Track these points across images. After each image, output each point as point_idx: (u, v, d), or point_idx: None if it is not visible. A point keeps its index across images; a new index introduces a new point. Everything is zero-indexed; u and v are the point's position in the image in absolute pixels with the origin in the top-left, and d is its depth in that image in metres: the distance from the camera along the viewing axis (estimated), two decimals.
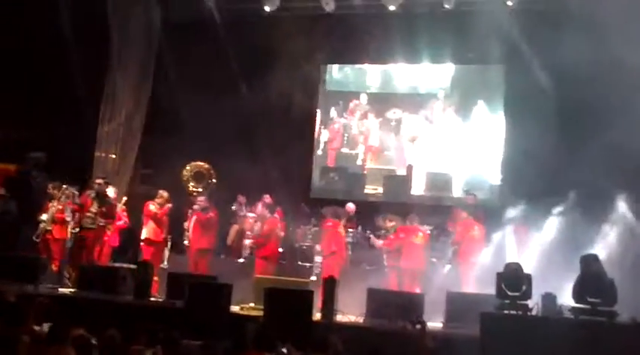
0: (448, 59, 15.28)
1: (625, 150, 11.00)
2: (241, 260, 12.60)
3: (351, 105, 16.15)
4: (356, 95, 16.21)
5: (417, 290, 11.02)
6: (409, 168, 14.94)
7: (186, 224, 12.85)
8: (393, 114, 15.85)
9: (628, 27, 11.85)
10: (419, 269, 11.73)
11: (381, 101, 16.10)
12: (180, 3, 15.23)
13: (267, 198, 13.25)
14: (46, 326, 6.44)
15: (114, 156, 14.58)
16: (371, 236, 12.51)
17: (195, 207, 12.69)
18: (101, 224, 11.81)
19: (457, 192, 14.42)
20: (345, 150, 16.10)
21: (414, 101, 15.84)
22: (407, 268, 11.71)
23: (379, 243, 12.29)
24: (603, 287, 7.98)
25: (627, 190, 10.99)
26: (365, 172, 15.45)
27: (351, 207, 13.14)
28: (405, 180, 14.78)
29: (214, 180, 13.86)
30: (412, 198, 14.34)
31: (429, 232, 12.27)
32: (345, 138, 16.12)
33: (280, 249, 12.77)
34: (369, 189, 15.03)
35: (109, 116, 14.73)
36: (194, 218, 12.53)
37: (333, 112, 16.24)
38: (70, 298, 10.26)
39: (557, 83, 13.18)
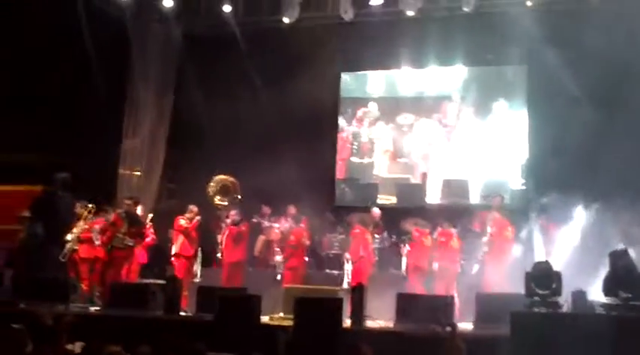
0: (467, 61, 15.17)
1: None
2: (278, 276, 12.51)
3: (360, 113, 16.01)
4: (364, 102, 16.06)
5: (454, 293, 11.05)
6: (423, 175, 14.81)
7: (219, 237, 12.95)
8: (405, 119, 15.70)
9: None
10: (455, 271, 11.74)
11: (391, 106, 15.92)
12: (200, 16, 15.35)
13: (292, 209, 13.28)
14: (78, 345, 6.48)
15: (138, 172, 14.71)
16: None
17: (228, 220, 12.76)
18: (130, 244, 11.86)
19: (475, 198, 14.26)
20: (355, 159, 15.90)
21: (426, 105, 15.64)
22: (444, 270, 11.72)
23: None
24: (634, 281, 7.89)
25: None
26: (377, 182, 15.18)
27: (376, 212, 13.14)
28: (420, 188, 14.62)
29: (240, 194, 13.88)
30: (427, 206, 14.06)
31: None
32: (355, 147, 15.97)
33: (306, 258, 12.81)
34: (382, 199, 14.65)
35: (132, 131, 14.90)
36: (227, 232, 12.61)
37: (341, 121, 16.06)
38: (101, 316, 10.33)
39: (581, 81, 13.09)
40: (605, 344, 7.28)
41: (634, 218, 10.49)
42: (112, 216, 12.05)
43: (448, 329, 7.50)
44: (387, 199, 14.75)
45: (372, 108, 15.96)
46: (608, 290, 8.01)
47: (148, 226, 12.92)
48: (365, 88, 16.21)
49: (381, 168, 15.71)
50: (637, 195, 11.10)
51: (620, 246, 8.88)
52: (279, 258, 12.73)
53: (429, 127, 15.54)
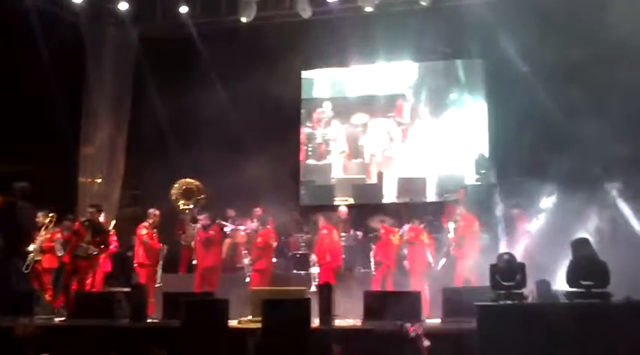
0: (424, 57, 15.27)
1: (607, 136, 11.11)
2: (247, 278, 12.42)
3: (315, 114, 16.00)
4: (319, 102, 16.04)
5: (425, 288, 11.15)
6: (379, 175, 14.86)
7: (184, 241, 12.96)
8: (359, 118, 15.71)
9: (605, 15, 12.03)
10: (426, 267, 11.83)
11: (346, 106, 15.92)
12: (157, 18, 15.18)
13: (257, 211, 13.23)
14: None
15: (99, 180, 14.53)
16: None
17: (198, 225, 12.69)
18: (94, 253, 11.67)
19: (431, 196, 14.36)
20: (311, 161, 15.89)
21: (380, 104, 15.68)
22: (414, 266, 11.78)
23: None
24: (596, 269, 7.97)
25: (613, 174, 11.05)
26: (334, 184, 15.23)
27: (343, 210, 13.15)
28: (376, 188, 14.66)
29: (204, 196, 13.79)
30: (389, 205, 14.20)
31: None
32: (310, 149, 15.95)
33: (274, 260, 12.76)
34: (339, 201, 14.69)
35: (90, 138, 14.69)
36: (198, 237, 12.53)
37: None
38: (66, 327, 10.18)
39: (538, 74, 13.23)
40: (569, 332, 7.36)
41: (594, 207, 10.67)
42: (74, 225, 11.87)
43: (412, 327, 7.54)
44: (343, 200, 14.73)
45: (327, 108, 15.95)
46: (570, 279, 8.08)
47: (111, 234, 12.78)
48: (320, 88, 16.20)
49: (338, 169, 15.69)
50: (597, 183, 11.31)
51: (581, 236, 8.98)
52: (246, 260, 12.65)
53: (383, 126, 15.56)
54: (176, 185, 13.76)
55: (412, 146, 15.31)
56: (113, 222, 13.28)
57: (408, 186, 14.39)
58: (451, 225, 12.03)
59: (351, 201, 14.65)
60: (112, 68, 15.00)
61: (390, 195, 14.62)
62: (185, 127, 14.80)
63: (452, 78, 15.35)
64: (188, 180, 13.84)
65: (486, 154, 14.57)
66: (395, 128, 15.51)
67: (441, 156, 14.98)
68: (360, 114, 15.77)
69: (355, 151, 15.68)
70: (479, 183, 14.20)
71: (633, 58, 12.10)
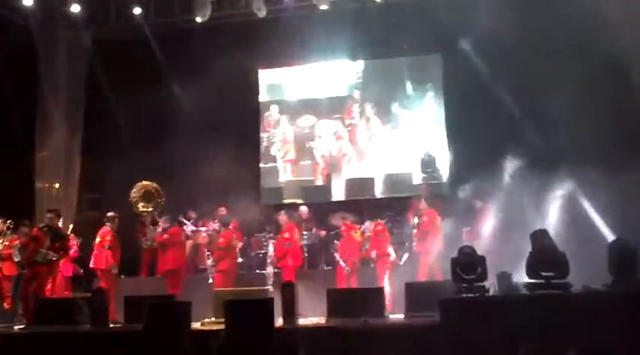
0: (378, 54, 15.24)
1: (561, 124, 11.30)
2: (210, 280, 12.34)
3: (265, 116, 15.92)
4: (266, 105, 15.97)
5: (387, 284, 11.25)
6: (327, 177, 14.90)
7: (145, 244, 13.02)
8: (306, 121, 15.68)
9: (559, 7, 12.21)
10: (390, 262, 11.86)
11: (293, 108, 15.86)
12: (110, 20, 15.00)
13: (222, 210, 13.12)
14: None
15: (57, 185, 14.30)
16: None
17: (159, 229, 12.60)
18: (54, 258, 11.48)
19: (379, 193, 14.37)
20: (261, 164, 15.81)
21: (328, 105, 15.63)
22: (379, 261, 11.85)
23: None
24: (555, 260, 8.08)
25: (568, 163, 11.23)
26: (282, 186, 15.23)
27: (304, 210, 13.16)
28: (325, 190, 14.70)
29: (164, 199, 13.65)
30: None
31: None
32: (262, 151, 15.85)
33: (240, 260, 12.71)
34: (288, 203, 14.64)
35: (45, 141, 14.45)
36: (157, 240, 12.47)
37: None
38: (26, 334, 10.01)
39: (495, 65, 13.35)
40: (531, 322, 7.45)
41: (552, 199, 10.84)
42: (32, 231, 11.66)
43: None
44: (292, 203, 14.62)
45: (273, 111, 15.87)
46: (531, 270, 8.17)
47: (71, 238, 12.60)
48: (268, 91, 16.07)
49: (286, 172, 15.67)
50: (554, 173, 11.46)
51: (540, 227, 9.09)
52: (209, 261, 12.57)
53: (331, 128, 15.55)
54: (135, 189, 13.59)
55: (362, 146, 15.31)
56: (71, 227, 13.07)
57: (356, 186, 14.46)
58: (415, 221, 12.08)
59: (300, 202, 14.48)
60: (66, 71, 14.78)
61: (339, 196, 14.64)
62: (142, 129, 14.64)
63: (410, 73, 15.29)
64: (146, 182, 13.68)
65: (436, 152, 14.55)
66: (342, 129, 15.48)
67: (392, 155, 15.00)
68: (307, 116, 15.70)
69: (303, 153, 15.63)
70: (428, 182, 14.12)
71: (592, 55, 12.30)
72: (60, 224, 12.07)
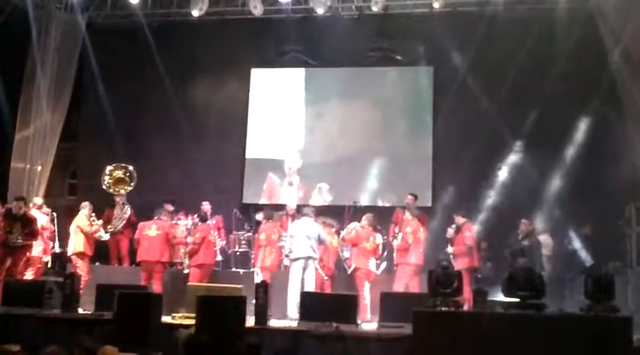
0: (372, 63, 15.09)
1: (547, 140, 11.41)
2: (185, 271, 12.25)
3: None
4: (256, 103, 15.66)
5: (366, 291, 11.20)
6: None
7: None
8: None
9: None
10: (369, 270, 11.69)
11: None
12: (106, 6, 14.87)
13: (205, 206, 12.95)
14: None
15: (40, 167, 14.10)
16: None
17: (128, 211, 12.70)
18: (25, 243, 11.35)
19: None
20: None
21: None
22: (357, 268, 11.69)
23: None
24: (531, 280, 8.06)
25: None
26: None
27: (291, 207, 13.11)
28: None
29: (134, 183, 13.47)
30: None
31: None
32: None
33: (220, 257, 12.62)
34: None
35: (27, 123, 14.23)
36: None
37: None
38: None
39: (485, 79, 13.39)
40: (504, 341, 7.43)
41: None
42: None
43: None
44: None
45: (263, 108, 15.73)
46: (507, 289, 8.15)
47: (48, 220, 12.51)
48: (258, 89, 15.73)
49: None
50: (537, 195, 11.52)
51: (519, 245, 9.12)
52: (184, 255, 12.47)
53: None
54: (106, 176, 13.39)
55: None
56: (49, 210, 12.90)
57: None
58: (396, 231, 12.01)
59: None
60: (57, 53, 14.57)
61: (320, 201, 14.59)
62: (130, 118, 14.56)
63: (399, 85, 15.13)
64: (117, 171, 13.46)
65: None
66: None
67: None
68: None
69: None
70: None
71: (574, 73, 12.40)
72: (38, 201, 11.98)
